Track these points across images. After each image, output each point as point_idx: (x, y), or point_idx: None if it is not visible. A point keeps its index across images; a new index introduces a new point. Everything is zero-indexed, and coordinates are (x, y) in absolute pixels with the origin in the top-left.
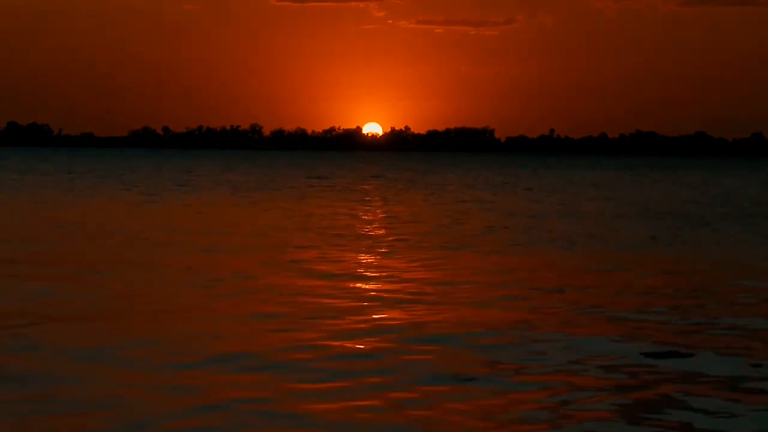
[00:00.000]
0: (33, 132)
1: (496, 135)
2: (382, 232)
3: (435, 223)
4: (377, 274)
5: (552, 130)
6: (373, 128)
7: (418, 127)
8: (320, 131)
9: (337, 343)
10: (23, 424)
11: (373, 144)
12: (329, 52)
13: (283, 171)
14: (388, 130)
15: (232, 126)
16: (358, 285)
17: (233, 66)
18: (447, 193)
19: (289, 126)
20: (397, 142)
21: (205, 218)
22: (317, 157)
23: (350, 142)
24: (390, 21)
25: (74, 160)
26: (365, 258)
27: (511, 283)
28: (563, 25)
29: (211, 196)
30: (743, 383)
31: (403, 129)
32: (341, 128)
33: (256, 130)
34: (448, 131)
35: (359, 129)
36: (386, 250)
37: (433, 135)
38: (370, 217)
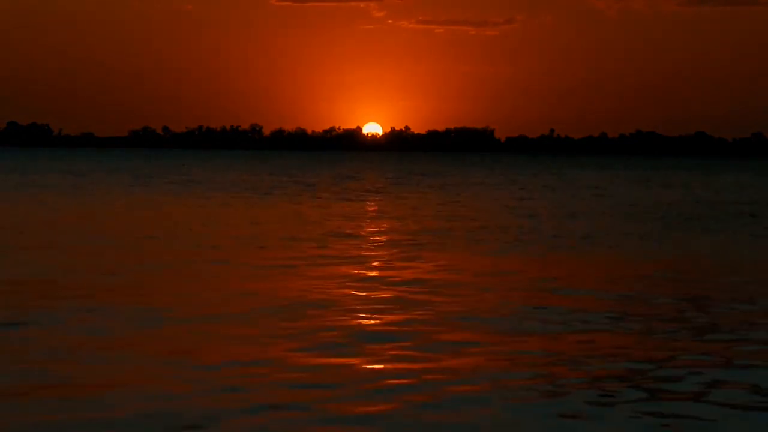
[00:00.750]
0: (33, 132)
1: (496, 135)
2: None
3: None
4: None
5: (552, 130)
6: (373, 128)
7: (418, 127)
8: (320, 131)
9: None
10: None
11: (373, 144)
12: (329, 52)
13: (326, 172)
14: (388, 130)
15: (232, 126)
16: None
17: (233, 66)
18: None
19: (289, 126)
20: (397, 142)
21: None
22: (337, 158)
23: (350, 142)
24: (390, 21)
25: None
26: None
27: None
28: (563, 25)
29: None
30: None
31: (403, 129)
32: (341, 128)
33: (256, 130)
34: (448, 131)
35: (359, 129)
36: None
37: (433, 135)
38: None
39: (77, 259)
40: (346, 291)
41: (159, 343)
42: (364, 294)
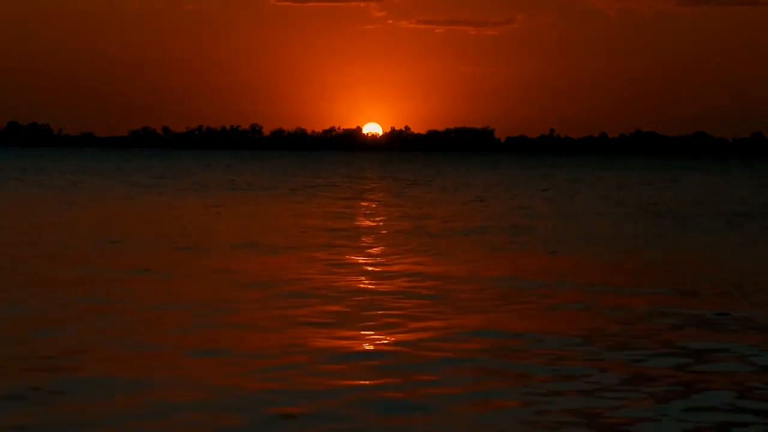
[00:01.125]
0: (33, 132)
1: (496, 135)
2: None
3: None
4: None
5: (552, 130)
6: (373, 128)
7: (418, 127)
8: (320, 131)
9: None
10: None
11: (373, 144)
12: (329, 52)
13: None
14: (388, 130)
15: (232, 126)
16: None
17: (233, 66)
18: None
19: (289, 126)
20: (397, 142)
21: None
22: (344, 159)
23: (350, 142)
24: (390, 21)
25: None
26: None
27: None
28: (563, 25)
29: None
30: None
31: (403, 129)
32: (341, 128)
33: (256, 130)
34: (448, 131)
35: (359, 129)
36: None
37: (433, 135)
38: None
39: (127, 262)
40: (404, 289)
41: (243, 341)
42: (433, 293)
